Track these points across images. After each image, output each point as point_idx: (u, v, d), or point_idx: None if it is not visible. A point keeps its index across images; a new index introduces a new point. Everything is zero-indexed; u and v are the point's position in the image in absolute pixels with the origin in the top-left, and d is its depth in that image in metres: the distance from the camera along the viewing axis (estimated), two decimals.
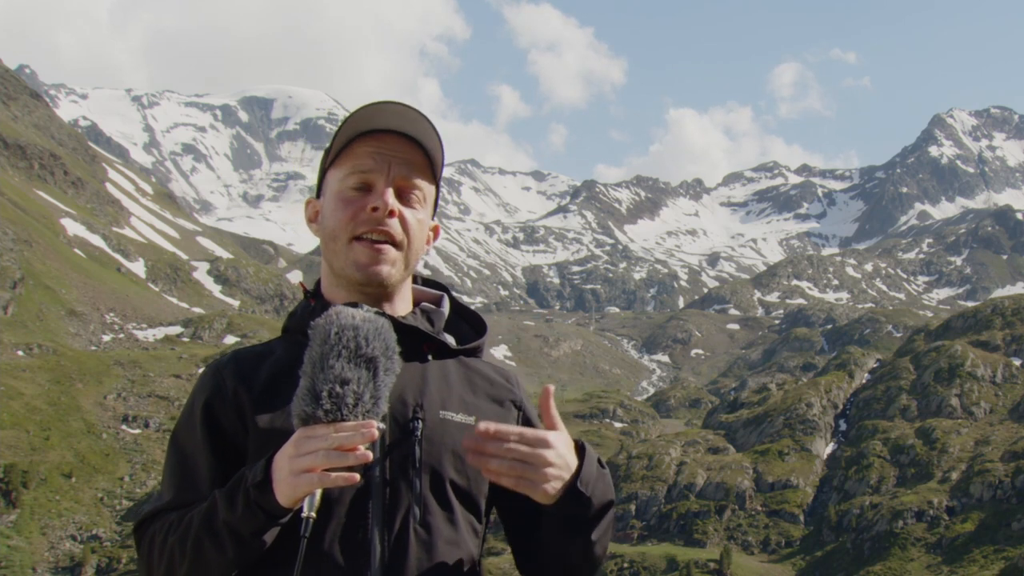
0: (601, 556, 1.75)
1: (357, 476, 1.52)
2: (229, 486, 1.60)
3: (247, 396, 1.72)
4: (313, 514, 1.53)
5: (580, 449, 1.68)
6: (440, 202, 1.86)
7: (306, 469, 1.50)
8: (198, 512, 1.62)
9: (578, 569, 1.76)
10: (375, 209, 1.72)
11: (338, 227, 1.75)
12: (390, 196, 1.73)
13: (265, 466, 1.56)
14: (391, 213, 1.73)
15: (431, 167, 1.81)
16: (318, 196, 1.84)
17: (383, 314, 1.70)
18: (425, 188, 1.80)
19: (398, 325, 1.72)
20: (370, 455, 1.52)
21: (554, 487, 1.62)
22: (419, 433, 1.71)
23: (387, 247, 1.74)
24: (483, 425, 1.59)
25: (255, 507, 1.55)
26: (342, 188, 1.76)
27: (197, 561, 1.60)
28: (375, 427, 1.52)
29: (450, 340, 1.87)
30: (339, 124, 1.80)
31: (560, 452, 1.63)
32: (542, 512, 1.70)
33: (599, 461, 1.73)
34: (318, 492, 1.54)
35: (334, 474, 1.50)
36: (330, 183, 1.79)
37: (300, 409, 1.54)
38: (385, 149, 1.75)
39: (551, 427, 1.64)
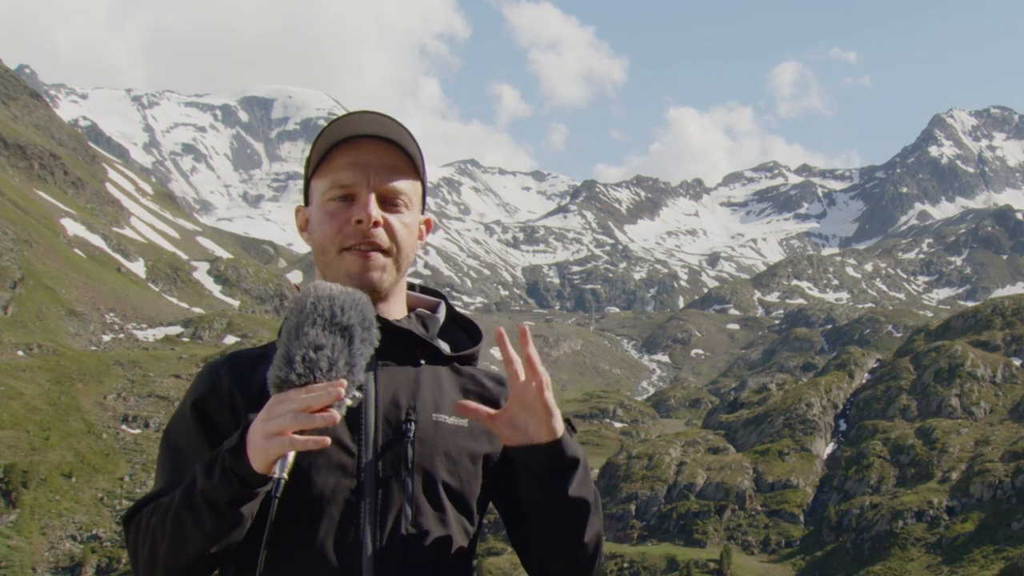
0: (587, 525, 1.76)
1: (328, 440, 1.53)
2: (208, 458, 1.63)
3: (242, 398, 1.75)
4: (285, 475, 1.54)
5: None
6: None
7: (276, 432, 1.53)
8: (179, 488, 1.65)
9: (573, 541, 1.76)
10: (359, 222, 1.75)
11: (326, 240, 1.78)
12: (373, 207, 1.76)
13: (241, 433, 1.59)
14: (375, 223, 1.76)
15: (412, 166, 1.82)
16: (306, 203, 1.87)
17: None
18: (408, 189, 1.82)
19: (391, 329, 1.76)
20: (338, 417, 1.54)
21: (559, 421, 1.69)
22: (412, 435, 1.73)
23: (376, 254, 1.77)
24: (500, 332, 1.64)
25: (230, 474, 1.57)
26: (325, 200, 1.79)
27: (177, 536, 1.62)
28: (344, 386, 1.53)
29: (444, 347, 1.89)
30: (316, 135, 1.84)
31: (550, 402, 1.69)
32: (522, 474, 1.73)
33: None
34: (291, 455, 1.55)
35: (302, 438, 1.52)
36: (314, 193, 1.83)
37: (274, 375, 1.56)
38: (363, 156, 1.78)
39: (533, 369, 1.66)
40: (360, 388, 1.62)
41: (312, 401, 1.52)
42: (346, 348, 1.57)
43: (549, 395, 1.65)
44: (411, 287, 1.98)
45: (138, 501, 1.74)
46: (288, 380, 1.55)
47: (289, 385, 1.55)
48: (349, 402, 1.56)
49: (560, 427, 1.70)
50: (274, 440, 1.53)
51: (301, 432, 1.53)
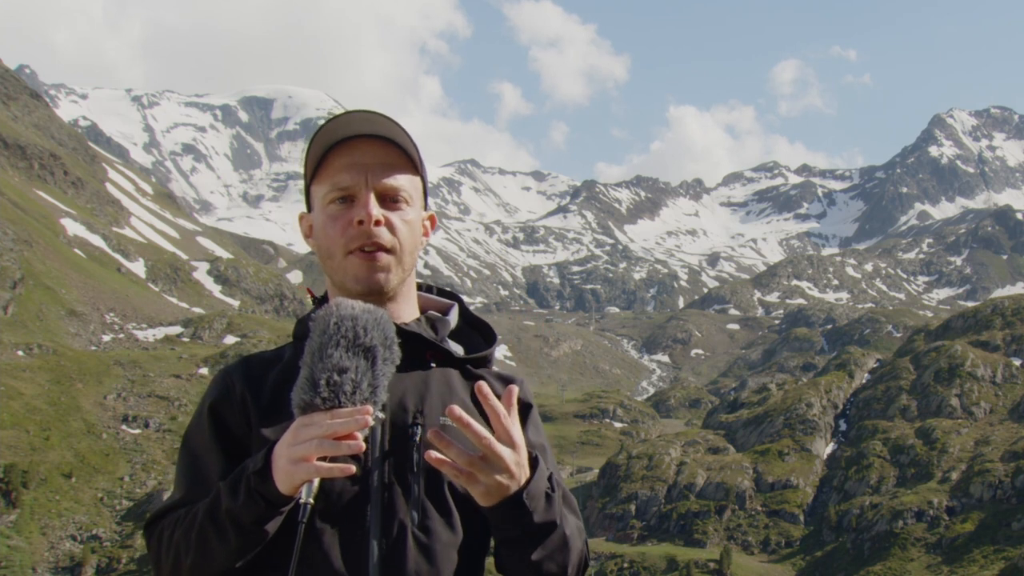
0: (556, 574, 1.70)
1: (352, 468, 1.54)
2: (232, 476, 1.64)
3: (253, 401, 1.76)
4: (311, 500, 1.56)
5: (533, 462, 1.66)
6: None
7: (301, 458, 1.53)
8: (204, 504, 1.65)
9: None
10: (361, 222, 1.76)
11: (331, 245, 1.79)
12: (373, 207, 1.76)
13: (266, 454, 1.60)
14: (377, 222, 1.76)
15: (410, 162, 1.82)
16: (308, 209, 1.87)
17: None
18: (408, 185, 1.82)
19: (401, 332, 1.72)
20: (363, 445, 1.54)
21: (496, 492, 1.60)
22: (418, 439, 1.72)
23: (380, 254, 1.77)
24: (456, 411, 1.54)
25: (255, 495, 1.58)
26: (326, 204, 1.80)
27: (201, 552, 1.63)
28: (370, 413, 1.54)
29: (456, 349, 1.89)
30: (309, 140, 1.83)
31: (520, 459, 1.61)
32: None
33: (562, 487, 1.73)
34: (316, 480, 1.56)
35: (328, 465, 1.52)
36: (315, 198, 1.83)
37: (299, 398, 1.57)
38: (359, 156, 1.78)
39: (509, 439, 1.60)
40: (383, 408, 1.63)
41: (338, 427, 1.52)
42: (369, 370, 1.57)
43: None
44: (427, 288, 1.98)
45: (159, 509, 1.75)
46: (313, 404, 1.55)
47: (314, 408, 1.55)
48: (372, 422, 1.55)
49: (493, 498, 1.61)
50: (300, 466, 1.53)
51: (326, 457, 1.54)
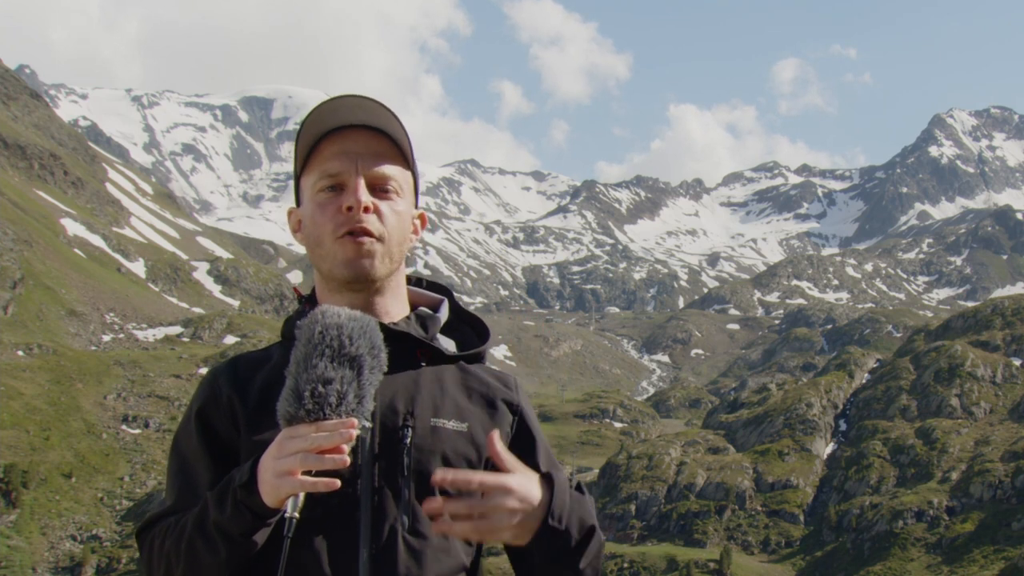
0: None
1: (337, 483, 1.52)
2: (219, 487, 1.61)
3: (241, 403, 1.73)
4: (296, 514, 1.54)
5: (548, 481, 1.63)
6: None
7: (286, 472, 1.51)
8: (192, 514, 1.63)
9: None
10: (350, 208, 1.72)
11: (319, 232, 1.75)
12: (362, 192, 1.72)
13: (251, 467, 1.57)
14: (366, 209, 1.72)
15: (400, 154, 1.79)
16: (298, 205, 1.84)
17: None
18: (398, 176, 1.78)
19: (390, 332, 1.70)
20: (348, 460, 1.51)
21: (522, 531, 1.59)
22: (408, 441, 1.69)
23: (368, 240, 1.72)
24: (439, 474, 1.56)
25: (242, 507, 1.56)
26: (316, 193, 1.76)
27: (191, 562, 1.62)
28: (355, 426, 1.51)
29: (447, 345, 1.84)
30: (298, 129, 1.79)
31: (522, 495, 1.58)
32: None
33: (580, 487, 1.70)
34: (302, 493, 1.54)
35: (312, 479, 1.50)
36: (305, 190, 1.79)
37: (284, 410, 1.54)
38: (350, 145, 1.75)
39: (504, 471, 1.59)
40: (370, 417, 1.60)
41: (323, 441, 1.49)
42: (355, 380, 1.54)
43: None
44: (418, 281, 1.94)
45: (150, 516, 1.74)
46: (297, 416, 1.52)
47: (298, 420, 1.52)
48: (358, 432, 1.52)
49: (525, 536, 1.60)
50: (284, 480, 1.51)
51: (312, 471, 1.51)
